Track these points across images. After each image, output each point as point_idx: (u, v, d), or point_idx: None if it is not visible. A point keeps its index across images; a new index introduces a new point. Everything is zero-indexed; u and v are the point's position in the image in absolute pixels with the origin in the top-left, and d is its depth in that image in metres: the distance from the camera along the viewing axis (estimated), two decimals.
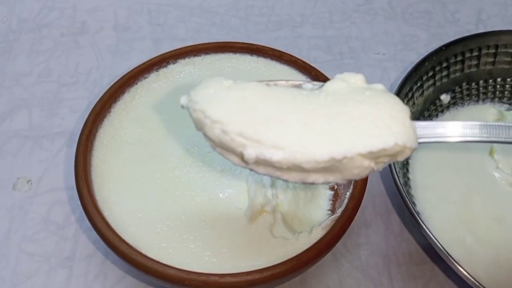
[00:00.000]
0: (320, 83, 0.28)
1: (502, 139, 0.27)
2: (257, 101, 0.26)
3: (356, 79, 0.27)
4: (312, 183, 0.26)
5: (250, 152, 0.25)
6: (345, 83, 0.27)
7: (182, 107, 0.28)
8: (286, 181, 0.26)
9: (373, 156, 0.25)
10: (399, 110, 0.26)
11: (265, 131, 0.25)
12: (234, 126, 0.25)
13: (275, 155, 0.24)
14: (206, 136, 0.27)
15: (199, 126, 0.27)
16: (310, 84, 0.29)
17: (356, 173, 0.26)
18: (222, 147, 0.27)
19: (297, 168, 0.25)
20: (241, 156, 0.26)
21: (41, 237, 0.41)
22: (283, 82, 0.30)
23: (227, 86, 0.27)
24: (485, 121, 0.28)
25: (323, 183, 0.26)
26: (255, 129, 0.25)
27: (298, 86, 0.29)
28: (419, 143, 0.27)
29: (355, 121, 0.25)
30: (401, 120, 0.25)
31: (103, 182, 0.37)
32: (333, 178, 0.26)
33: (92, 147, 0.38)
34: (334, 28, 0.58)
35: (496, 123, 0.27)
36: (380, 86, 0.27)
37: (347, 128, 0.25)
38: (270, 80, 0.30)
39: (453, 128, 0.28)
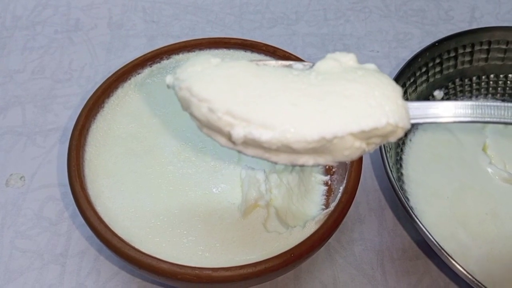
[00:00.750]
0: (311, 63, 0.28)
1: (495, 119, 0.27)
2: (246, 79, 0.25)
3: (348, 59, 0.27)
4: (302, 165, 0.25)
5: (238, 132, 0.24)
6: (336, 63, 0.26)
7: (168, 86, 0.27)
8: (275, 163, 0.26)
9: (364, 136, 0.24)
10: (392, 89, 0.25)
11: (253, 110, 0.24)
12: (222, 105, 0.24)
13: (264, 135, 0.24)
14: (192, 115, 0.26)
15: (185, 105, 0.26)
16: (300, 64, 0.28)
17: (347, 154, 0.25)
18: (209, 127, 0.26)
19: (286, 149, 0.24)
20: (229, 136, 0.25)
21: (34, 233, 0.41)
22: (273, 62, 0.29)
23: (215, 64, 0.26)
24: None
25: (313, 165, 0.25)
26: (243, 107, 0.24)
27: (289, 67, 0.28)
28: (412, 123, 0.26)
29: (346, 100, 0.24)
30: (394, 99, 0.25)
31: (96, 177, 0.37)
32: (323, 160, 0.25)
33: (85, 142, 0.38)
34: (329, 26, 0.58)
35: (489, 103, 0.27)
36: (372, 66, 0.27)
37: (338, 108, 0.24)
38: (260, 60, 0.29)
39: (446, 108, 0.27)
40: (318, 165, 0.25)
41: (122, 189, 0.37)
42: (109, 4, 0.59)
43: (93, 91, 0.40)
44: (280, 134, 0.24)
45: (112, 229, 0.33)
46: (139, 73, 0.42)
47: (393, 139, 0.25)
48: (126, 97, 0.41)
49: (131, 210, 0.36)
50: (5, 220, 0.42)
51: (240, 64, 0.26)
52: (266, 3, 0.60)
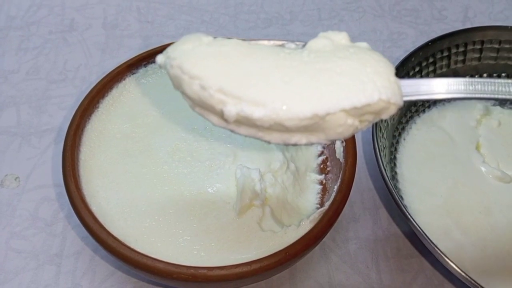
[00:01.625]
0: (303, 42, 0.28)
1: (487, 95, 0.27)
2: (237, 57, 0.25)
3: (340, 37, 0.26)
4: (295, 144, 0.25)
5: (230, 109, 0.24)
6: (328, 41, 0.26)
7: (160, 66, 0.27)
8: (268, 142, 0.25)
9: (357, 112, 0.24)
10: (384, 66, 0.25)
11: (246, 87, 0.24)
12: (214, 82, 0.24)
13: (257, 112, 0.24)
14: (184, 94, 0.26)
15: (177, 84, 0.26)
16: (293, 44, 0.28)
17: (340, 131, 0.25)
18: (201, 106, 0.25)
19: (279, 127, 0.24)
20: (221, 114, 0.24)
21: (29, 234, 0.41)
22: (265, 42, 0.29)
23: (206, 42, 0.26)
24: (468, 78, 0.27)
25: (306, 144, 0.25)
26: (235, 85, 0.24)
27: (281, 46, 0.28)
28: (404, 101, 0.26)
29: (339, 77, 0.24)
30: (386, 76, 0.25)
31: (91, 177, 0.37)
32: (316, 138, 0.25)
33: (80, 142, 0.38)
34: (323, 26, 0.59)
35: (481, 79, 0.27)
36: (364, 44, 0.27)
37: (330, 84, 0.24)
38: (252, 39, 0.28)
39: (438, 85, 0.27)
40: (311, 144, 0.25)
41: (117, 189, 0.37)
42: (104, 4, 0.59)
43: (88, 92, 0.40)
44: (272, 111, 0.24)
45: (107, 229, 0.33)
46: (133, 73, 0.42)
47: (385, 116, 0.25)
48: (121, 97, 0.41)
49: (126, 210, 0.36)
50: (0, 221, 0.42)
51: (232, 42, 0.26)
52: (261, 3, 0.60)
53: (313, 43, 0.26)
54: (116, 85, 0.41)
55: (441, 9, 0.61)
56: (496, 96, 0.26)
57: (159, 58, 0.27)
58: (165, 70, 0.26)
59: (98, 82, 0.40)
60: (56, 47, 0.55)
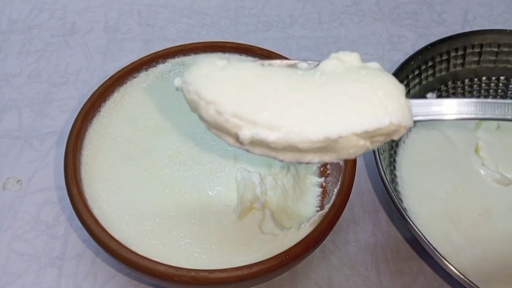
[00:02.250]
0: (316, 62, 0.28)
1: (499, 116, 0.27)
2: (251, 81, 0.26)
3: (351, 58, 0.27)
4: (308, 163, 0.26)
5: (245, 133, 0.25)
6: (340, 62, 0.27)
7: (177, 89, 0.27)
8: (282, 161, 0.26)
9: (368, 135, 0.25)
10: (394, 88, 0.25)
11: (260, 111, 0.25)
12: (229, 107, 0.25)
13: (271, 136, 0.24)
14: (201, 117, 0.27)
15: (193, 108, 0.27)
16: (305, 63, 0.29)
17: (352, 152, 0.25)
18: (217, 128, 0.26)
19: (292, 148, 0.25)
20: (236, 137, 0.25)
21: (31, 236, 0.41)
22: (278, 62, 0.29)
23: (221, 66, 0.26)
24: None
25: (319, 163, 0.26)
26: (250, 109, 0.25)
27: (293, 66, 0.29)
28: (415, 121, 0.26)
29: (350, 100, 0.25)
30: (396, 98, 0.25)
31: (93, 181, 0.37)
32: (328, 157, 0.26)
33: (82, 146, 0.38)
34: (323, 29, 0.59)
35: (492, 100, 0.27)
36: (375, 65, 0.27)
37: (342, 108, 0.25)
38: (265, 60, 0.29)
39: (449, 105, 0.27)
40: (323, 162, 0.26)
41: (119, 192, 0.37)
42: (105, 8, 0.59)
43: (90, 95, 0.40)
44: (286, 135, 0.24)
45: (109, 232, 0.34)
46: (135, 77, 0.43)
47: (396, 137, 0.26)
48: (122, 101, 0.42)
49: (127, 213, 0.36)
50: (2, 224, 0.42)
51: (246, 66, 0.26)
52: (261, 7, 0.61)
53: (325, 64, 0.27)
54: (118, 88, 0.42)
55: (440, 12, 0.62)
56: (505, 117, 0.27)
57: (177, 82, 0.27)
58: (182, 94, 0.27)
59: (100, 86, 0.41)
60: (58, 50, 0.55)
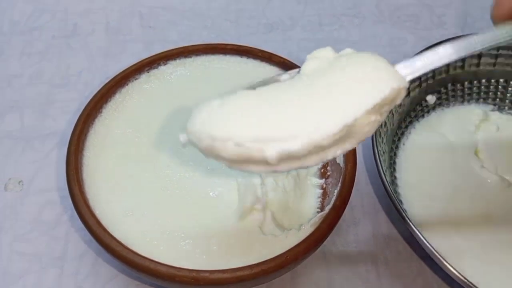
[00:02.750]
0: (295, 70, 0.29)
1: (477, 48, 0.28)
2: (252, 105, 0.26)
3: (325, 52, 0.28)
4: (333, 158, 0.26)
5: (271, 152, 0.25)
6: (317, 60, 0.28)
7: (184, 146, 0.27)
8: (307, 168, 0.27)
9: (377, 108, 0.26)
10: (377, 60, 0.27)
11: (274, 127, 0.25)
12: (245, 135, 0.25)
13: (294, 145, 0.24)
14: (219, 158, 0.26)
15: (209, 153, 0.26)
16: (286, 74, 0.29)
17: (367, 130, 0.26)
18: (240, 162, 0.26)
19: (316, 149, 0.25)
20: (263, 160, 0.25)
21: (32, 236, 0.42)
22: (261, 81, 0.29)
23: (217, 105, 0.26)
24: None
25: (341, 153, 0.26)
26: (265, 129, 0.25)
27: (276, 80, 0.29)
28: (408, 80, 0.28)
29: (348, 85, 0.25)
30: (384, 67, 0.26)
31: (94, 182, 0.37)
32: (349, 144, 0.26)
33: (83, 147, 0.38)
34: (323, 31, 0.59)
35: (467, 35, 0.28)
36: (349, 50, 0.28)
37: (345, 94, 0.25)
38: (250, 84, 0.29)
39: (430, 55, 0.28)
40: (345, 152, 0.26)
41: (120, 193, 0.37)
42: (107, 10, 0.60)
43: (91, 96, 0.40)
44: (308, 137, 0.25)
45: (111, 232, 0.34)
46: (136, 79, 0.43)
47: (399, 100, 0.27)
48: (124, 102, 0.42)
49: (129, 213, 0.36)
50: (3, 224, 0.42)
51: (240, 95, 0.27)
52: (262, 9, 0.61)
53: (306, 67, 0.28)
54: (119, 90, 0.42)
55: (440, 15, 0.62)
56: (483, 46, 0.28)
57: (183, 138, 0.27)
58: (193, 146, 0.27)
59: (102, 88, 0.41)
60: (59, 52, 0.55)
